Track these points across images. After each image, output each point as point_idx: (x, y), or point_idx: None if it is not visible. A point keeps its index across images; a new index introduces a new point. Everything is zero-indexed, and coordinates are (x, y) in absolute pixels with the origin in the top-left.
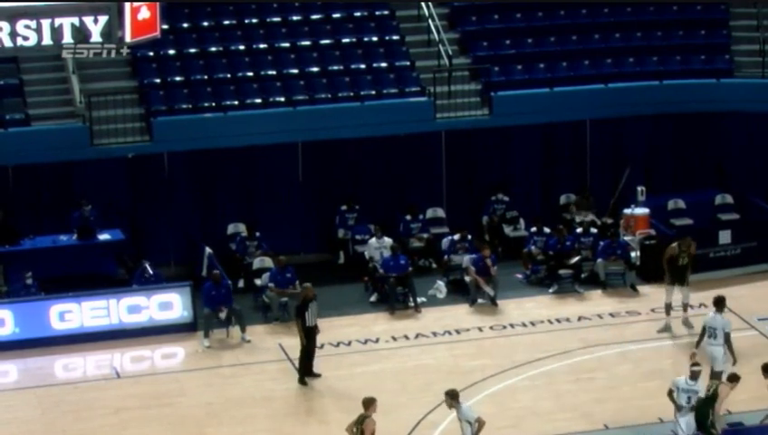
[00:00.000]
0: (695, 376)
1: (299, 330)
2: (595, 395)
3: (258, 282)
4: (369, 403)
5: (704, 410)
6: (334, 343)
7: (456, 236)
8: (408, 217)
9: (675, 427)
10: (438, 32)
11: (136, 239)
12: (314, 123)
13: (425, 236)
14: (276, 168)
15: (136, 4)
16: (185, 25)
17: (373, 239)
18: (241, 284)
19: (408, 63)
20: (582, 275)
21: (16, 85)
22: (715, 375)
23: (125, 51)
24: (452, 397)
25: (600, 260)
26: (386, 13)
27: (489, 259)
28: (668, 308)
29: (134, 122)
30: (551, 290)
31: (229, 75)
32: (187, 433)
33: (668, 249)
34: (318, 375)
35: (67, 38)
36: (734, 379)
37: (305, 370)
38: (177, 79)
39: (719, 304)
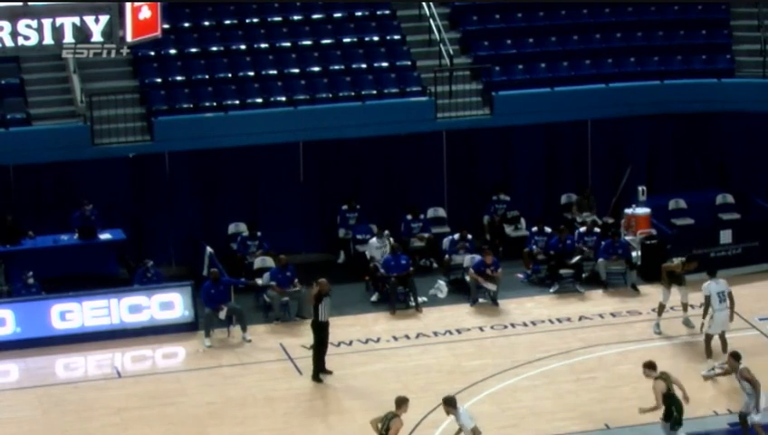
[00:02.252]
0: None
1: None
2: (596, 395)
3: (259, 281)
4: (401, 403)
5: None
6: (335, 342)
7: (457, 236)
8: (409, 217)
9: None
10: (439, 31)
11: (137, 239)
12: (315, 123)
13: (426, 235)
14: (277, 167)
15: (137, 3)
16: (186, 25)
17: (374, 239)
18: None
19: (410, 63)
20: (583, 275)
21: (17, 85)
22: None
23: (125, 51)
24: (448, 404)
25: (601, 260)
26: (387, 12)
27: (491, 267)
28: (662, 308)
29: (135, 122)
30: (551, 290)
31: (230, 75)
32: (188, 433)
33: (670, 265)
34: (329, 372)
35: (68, 38)
36: (736, 357)
37: (319, 366)
38: (179, 78)
39: (714, 270)
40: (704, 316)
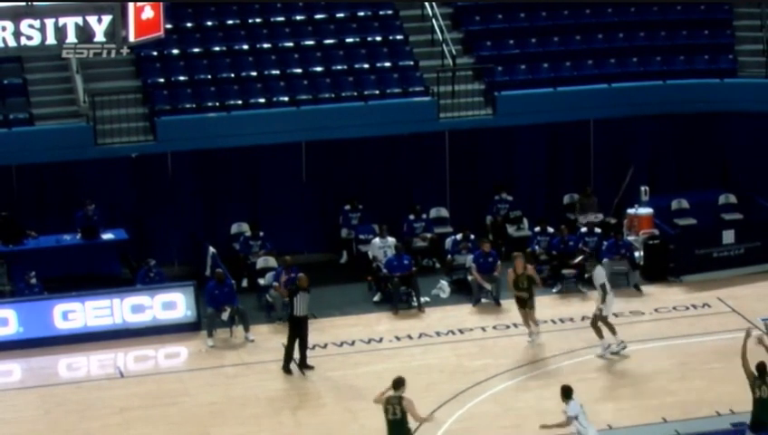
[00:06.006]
0: None
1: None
2: (598, 395)
3: (262, 281)
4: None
5: None
6: (338, 342)
7: (459, 236)
8: (412, 217)
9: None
10: (442, 31)
11: (139, 239)
12: (318, 123)
13: (428, 235)
14: (280, 167)
15: (140, 3)
16: (189, 25)
17: (377, 239)
18: (245, 283)
19: (412, 63)
20: (586, 275)
21: (20, 85)
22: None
23: (125, 51)
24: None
25: (605, 260)
26: (390, 12)
27: (491, 257)
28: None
29: (138, 122)
30: (554, 290)
31: (233, 75)
32: (191, 433)
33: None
34: (311, 367)
35: (71, 38)
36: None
37: (288, 358)
38: (181, 78)
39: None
40: (602, 302)
